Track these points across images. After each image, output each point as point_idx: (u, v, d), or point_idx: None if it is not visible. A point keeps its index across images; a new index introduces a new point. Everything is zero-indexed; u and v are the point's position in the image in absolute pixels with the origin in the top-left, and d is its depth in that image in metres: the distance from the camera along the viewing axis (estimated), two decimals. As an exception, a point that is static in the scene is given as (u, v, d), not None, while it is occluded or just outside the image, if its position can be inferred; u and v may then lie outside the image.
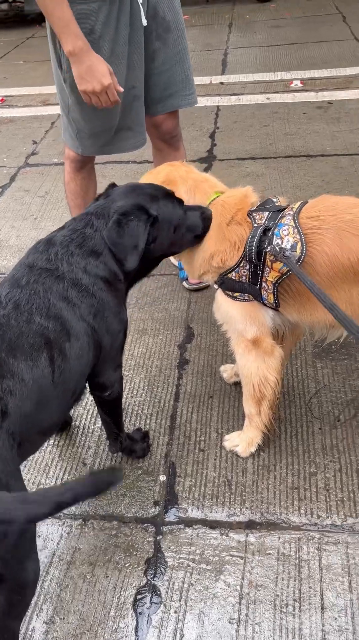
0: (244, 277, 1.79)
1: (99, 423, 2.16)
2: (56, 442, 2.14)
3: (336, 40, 6.22)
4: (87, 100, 2.18)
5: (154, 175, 1.94)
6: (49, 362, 1.47)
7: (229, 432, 2.10)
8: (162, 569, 1.72)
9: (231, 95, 5.16)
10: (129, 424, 2.18)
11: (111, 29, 2.18)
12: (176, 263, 2.96)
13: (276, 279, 1.73)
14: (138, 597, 1.67)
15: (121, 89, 2.19)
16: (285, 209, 1.76)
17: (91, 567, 1.75)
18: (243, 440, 2.01)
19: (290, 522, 1.80)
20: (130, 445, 2.02)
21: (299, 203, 1.75)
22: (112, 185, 1.85)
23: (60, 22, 2.04)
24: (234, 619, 1.59)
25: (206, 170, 3.86)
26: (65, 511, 1.90)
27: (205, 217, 1.80)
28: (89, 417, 2.23)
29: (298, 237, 1.66)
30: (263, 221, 1.74)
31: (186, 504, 1.89)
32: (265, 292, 1.77)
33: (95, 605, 1.66)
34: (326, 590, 1.62)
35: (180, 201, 1.80)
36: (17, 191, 3.97)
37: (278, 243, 1.67)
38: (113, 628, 1.61)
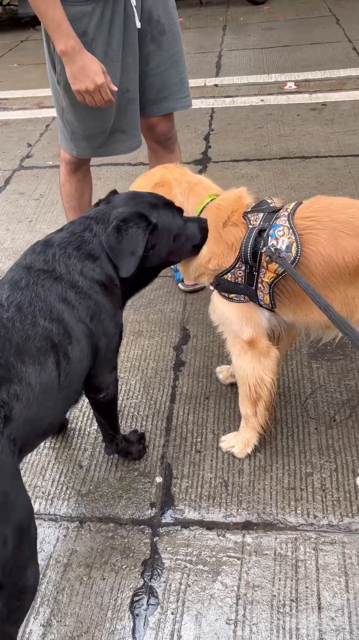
0: (240, 279, 1.79)
1: (95, 425, 2.16)
2: (52, 445, 2.14)
3: (330, 42, 6.25)
4: (81, 100, 2.19)
5: (148, 178, 1.94)
6: (55, 365, 1.47)
7: (225, 433, 2.10)
8: (158, 571, 1.72)
9: (225, 97, 5.17)
10: (125, 426, 2.18)
11: (104, 31, 2.18)
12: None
13: (271, 280, 1.73)
14: (136, 598, 1.67)
15: (115, 88, 2.19)
16: (279, 210, 1.76)
17: (88, 569, 1.75)
18: (239, 441, 2.01)
19: (286, 523, 1.80)
20: (126, 447, 2.02)
21: (293, 204, 1.76)
22: (114, 192, 1.86)
23: (52, 22, 2.05)
24: (231, 619, 1.59)
25: (200, 172, 3.86)
26: (61, 513, 1.90)
27: (203, 228, 1.81)
28: (85, 419, 2.23)
29: (293, 238, 1.66)
30: (258, 222, 1.74)
31: (182, 505, 1.89)
32: (260, 293, 1.78)
33: (92, 607, 1.66)
34: (323, 590, 1.63)
35: (179, 210, 1.81)
36: (12, 194, 3.97)
37: (273, 244, 1.67)
38: (111, 630, 1.60)
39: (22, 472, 2.01)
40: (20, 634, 1.58)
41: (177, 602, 1.64)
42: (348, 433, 2.06)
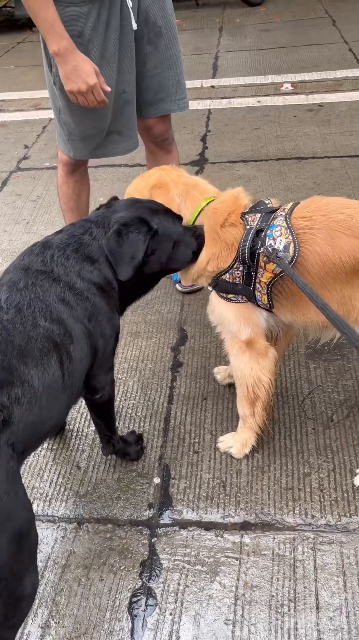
0: (238, 279, 1.79)
1: (93, 426, 2.15)
2: (50, 446, 2.14)
3: (326, 43, 6.26)
4: (74, 100, 2.20)
5: (145, 180, 1.94)
6: (59, 365, 1.47)
7: (223, 433, 2.10)
8: (157, 571, 1.72)
9: (222, 98, 5.18)
10: (123, 427, 2.18)
11: (100, 32, 2.19)
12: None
13: (269, 280, 1.73)
14: (134, 599, 1.66)
15: (108, 89, 2.20)
16: (276, 210, 1.76)
17: (86, 570, 1.75)
18: (237, 442, 2.01)
19: (284, 523, 1.81)
20: (123, 448, 2.02)
21: (291, 204, 1.76)
22: (114, 199, 1.87)
23: (45, 22, 2.06)
24: (229, 620, 1.59)
25: (197, 173, 3.87)
26: (59, 514, 1.90)
27: (199, 235, 1.82)
28: (83, 420, 2.23)
29: (291, 238, 1.66)
30: (256, 223, 1.75)
31: (180, 506, 1.89)
32: (258, 293, 1.78)
33: (91, 608, 1.66)
34: (321, 590, 1.63)
35: (179, 218, 1.83)
36: (9, 195, 3.97)
37: (270, 244, 1.68)
38: (109, 631, 1.60)
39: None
40: (18, 635, 1.58)
41: (175, 602, 1.64)
42: (346, 433, 2.06)
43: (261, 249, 1.69)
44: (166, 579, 1.70)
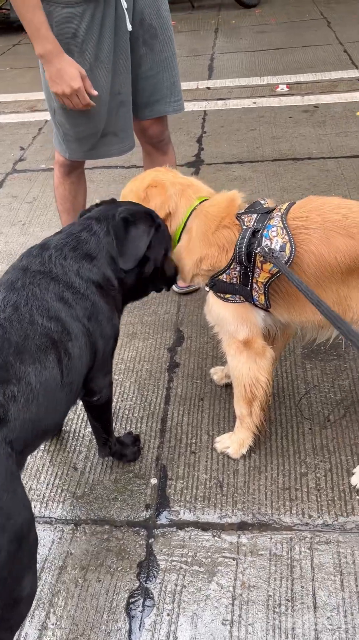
0: (235, 279, 1.80)
1: (90, 428, 2.15)
2: (47, 447, 2.13)
3: (321, 44, 6.28)
4: (61, 102, 2.23)
5: (140, 181, 1.94)
6: (57, 362, 1.47)
7: (220, 434, 2.10)
8: (154, 572, 1.72)
9: (218, 99, 5.19)
10: (120, 428, 2.18)
11: (95, 33, 2.19)
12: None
13: (266, 280, 1.74)
14: (131, 600, 1.66)
15: (95, 93, 2.21)
16: (272, 210, 1.77)
17: (83, 571, 1.75)
18: (234, 442, 2.01)
19: (281, 523, 1.81)
20: (120, 449, 2.02)
21: (287, 204, 1.76)
22: (113, 201, 1.88)
23: (31, 25, 2.08)
24: (227, 620, 1.59)
25: (193, 174, 3.87)
26: (56, 516, 1.90)
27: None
28: (80, 421, 2.23)
29: (287, 238, 1.67)
30: (252, 223, 1.75)
31: (178, 506, 1.89)
32: (255, 293, 1.78)
33: (88, 609, 1.66)
34: (319, 590, 1.63)
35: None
36: (5, 197, 3.97)
37: (267, 244, 1.68)
38: (107, 632, 1.60)
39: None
40: (15, 637, 1.58)
41: (173, 603, 1.64)
42: (342, 433, 2.07)
43: (258, 249, 1.70)
44: (163, 579, 1.70)
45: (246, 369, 1.87)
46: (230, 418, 2.15)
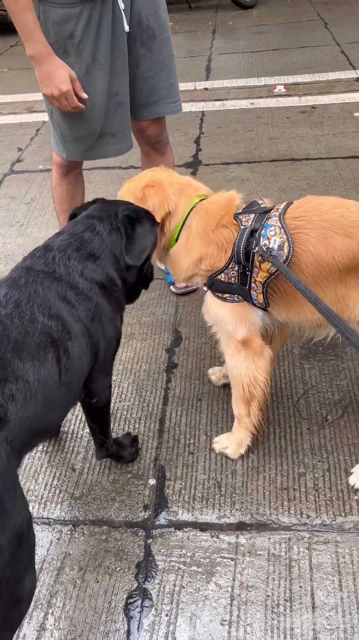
0: (233, 279, 1.80)
1: (88, 428, 2.15)
2: (45, 448, 2.13)
3: (318, 45, 6.29)
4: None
5: (137, 181, 1.93)
6: (55, 361, 1.46)
7: (218, 434, 2.10)
8: (152, 573, 1.72)
9: (215, 100, 5.19)
10: (118, 428, 2.18)
11: (92, 34, 2.19)
12: (163, 267, 2.96)
13: (264, 279, 1.74)
14: (130, 601, 1.66)
15: (84, 96, 2.23)
16: (270, 210, 1.77)
17: (81, 572, 1.75)
18: (232, 442, 2.01)
19: (279, 523, 1.81)
20: (117, 451, 2.01)
21: (284, 204, 1.77)
22: (102, 200, 1.88)
23: (23, 26, 2.09)
24: (226, 620, 1.59)
25: (191, 175, 3.87)
26: (54, 517, 1.90)
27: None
28: (78, 422, 2.22)
29: (285, 237, 1.67)
30: (250, 223, 1.75)
31: (176, 507, 1.89)
32: (254, 293, 1.79)
33: (86, 610, 1.65)
34: (317, 590, 1.63)
35: None
36: (3, 198, 3.96)
37: (265, 243, 1.68)
38: (105, 633, 1.60)
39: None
40: (13, 638, 1.57)
41: (171, 603, 1.64)
42: (340, 433, 2.07)
43: (256, 248, 1.70)
44: (162, 580, 1.70)
45: (245, 368, 1.87)
46: (228, 418, 2.15)
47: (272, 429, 2.11)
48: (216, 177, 3.86)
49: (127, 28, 2.26)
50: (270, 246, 1.67)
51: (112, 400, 2.21)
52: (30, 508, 1.91)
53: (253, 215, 1.77)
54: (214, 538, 1.79)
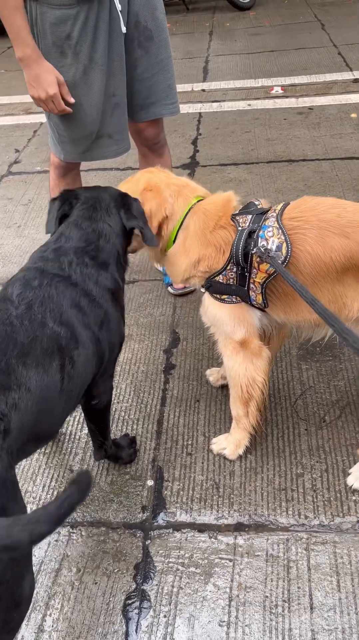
0: (231, 280, 1.80)
1: (86, 429, 2.15)
2: (43, 450, 2.13)
3: (315, 47, 6.30)
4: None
5: (134, 184, 1.93)
6: (59, 369, 1.44)
7: (216, 435, 2.10)
8: (151, 574, 1.72)
9: (212, 102, 5.19)
10: (116, 430, 2.17)
11: (89, 35, 2.19)
12: (160, 269, 2.96)
13: (263, 280, 1.74)
14: (128, 602, 1.66)
15: (72, 100, 2.24)
16: (267, 211, 1.77)
17: (80, 573, 1.74)
18: (230, 443, 2.01)
19: (277, 524, 1.81)
20: (115, 452, 2.01)
21: (281, 205, 1.77)
22: (70, 196, 1.81)
23: (11, 28, 2.11)
24: (224, 621, 1.59)
25: (189, 176, 3.87)
26: (52, 518, 1.89)
27: None
28: (76, 423, 2.22)
29: (283, 238, 1.67)
30: (247, 224, 1.75)
31: (174, 508, 1.89)
32: (253, 293, 1.79)
33: (85, 611, 1.65)
34: (315, 590, 1.63)
35: None
36: (0, 199, 3.96)
37: (263, 244, 1.68)
38: (103, 634, 1.60)
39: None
40: None
41: (170, 605, 1.64)
42: (338, 433, 2.07)
43: (254, 249, 1.70)
44: (160, 581, 1.70)
45: (243, 369, 1.87)
46: (226, 419, 2.15)
47: (270, 429, 2.11)
48: (214, 179, 3.87)
49: (124, 29, 2.26)
50: (268, 247, 1.67)
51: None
52: (29, 509, 1.92)
53: (250, 216, 1.77)
54: (212, 539, 1.79)
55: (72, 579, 1.73)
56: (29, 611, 1.64)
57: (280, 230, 1.68)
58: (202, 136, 4.55)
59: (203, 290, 1.89)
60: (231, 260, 1.76)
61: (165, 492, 1.94)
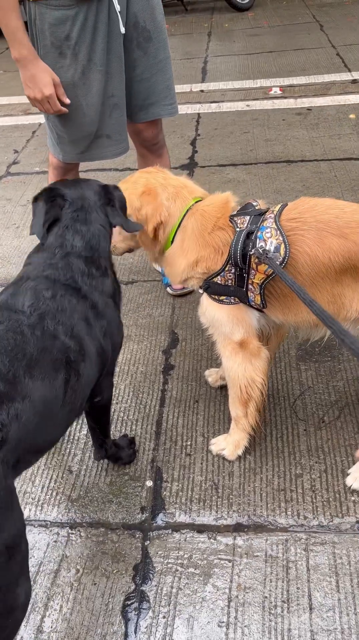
0: (230, 281, 1.80)
1: (85, 430, 2.15)
2: (41, 450, 2.13)
3: (314, 47, 6.31)
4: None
5: (133, 186, 1.92)
6: (64, 381, 1.43)
7: (215, 436, 2.10)
8: (150, 575, 1.72)
9: (211, 102, 5.20)
10: (115, 430, 2.17)
11: (88, 35, 2.19)
12: (159, 269, 2.96)
13: (261, 281, 1.74)
14: (127, 603, 1.66)
15: (67, 101, 2.26)
16: (265, 212, 1.77)
17: (79, 574, 1.74)
18: (229, 443, 2.01)
19: (276, 524, 1.81)
20: (115, 452, 2.01)
21: (279, 206, 1.77)
22: (55, 195, 1.73)
23: (7, 29, 2.12)
24: (223, 622, 1.59)
25: (187, 177, 3.87)
26: (51, 519, 1.89)
27: None
28: (75, 424, 2.22)
29: (281, 239, 1.68)
30: (245, 225, 1.75)
31: (173, 508, 1.89)
32: (251, 294, 1.79)
33: (84, 612, 1.65)
34: (314, 591, 1.63)
35: None
36: (-1, 200, 3.97)
37: (261, 246, 1.69)
38: (102, 635, 1.60)
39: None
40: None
41: (169, 605, 1.64)
42: (337, 434, 2.07)
43: (253, 250, 1.70)
44: (159, 582, 1.70)
45: (242, 369, 1.87)
46: (225, 420, 2.15)
47: (269, 430, 2.11)
48: (212, 179, 3.87)
49: (122, 30, 2.26)
50: (267, 248, 1.67)
51: (109, 402, 2.21)
52: (27, 511, 1.92)
53: (248, 217, 1.77)
54: (211, 540, 1.79)
55: (71, 580, 1.73)
56: (27, 612, 1.64)
57: (278, 231, 1.68)
58: (201, 137, 4.55)
59: (201, 291, 1.89)
60: (230, 261, 1.76)
61: (164, 492, 1.94)
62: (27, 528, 1.85)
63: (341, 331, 1.30)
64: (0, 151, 4.71)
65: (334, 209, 1.70)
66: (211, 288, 1.84)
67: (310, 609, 1.59)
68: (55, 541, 1.83)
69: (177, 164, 4.09)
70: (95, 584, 1.71)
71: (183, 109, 4.40)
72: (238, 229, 1.75)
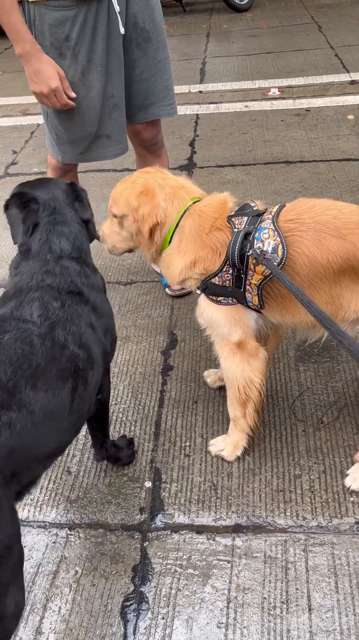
0: (227, 282, 1.80)
1: (84, 431, 2.15)
2: (40, 451, 2.12)
3: (312, 48, 6.31)
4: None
5: (131, 185, 1.92)
6: (70, 391, 1.42)
7: (214, 436, 2.10)
8: (149, 576, 1.72)
9: (210, 103, 5.20)
10: (114, 431, 2.17)
11: (87, 36, 2.20)
12: (158, 270, 2.96)
13: (259, 282, 1.74)
14: (126, 604, 1.66)
15: (73, 95, 2.25)
16: (263, 213, 1.77)
17: (77, 575, 1.74)
18: (228, 444, 2.01)
19: (275, 525, 1.81)
20: (115, 452, 2.01)
21: (277, 207, 1.77)
22: (27, 200, 1.73)
23: (9, 26, 2.12)
24: (222, 623, 1.59)
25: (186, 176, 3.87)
26: (50, 520, 1.89)
27: None
28: (73, 425, 2.22)
29: (279, 240, 1.68)
30: (243, 226, 1.75)
31: (172, 509, 1.89)
32: (249, 295, 1.79)
33: (83, 613, 1.65)
34: (313, 592, 1.63)
35: None
36: (-2, 201, 3.96)
37: (259, 246, 1.69)
38: (101, 636, 1.59)
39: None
40: (9, 642, 1.57)
41: (168, 606, 1.64)
42: (336, 435, 2.07)
43: (250, 251, 1.70)
44: (158, 583, 1.69)
45: (240, 370, 1.87)
46: (224, 420, 2.15)
47: (268, 431, 2.11)
48: (211, 180, 3.87)
49: (122, 30, 2.27)
50: (264, 249, 1.67)
51: (108, 403, 2.21)
52: (26, 512, 1.92)
53: (246, 218, 1.77)
54: (210, 540, 1.79)
55: (70, 581, 1.73)
56: (26, 613, 1.64)
57: (276, 232, 1.68)
58: (199, 137, 4.56)
59: (198, 292, 1.89)
60: (227, 262, 1.76)
61: (163, 493, 1.94)
62: (26, 529, 1.86)
63: (339, 332, 1.30)
64: (-1, 152, 4.71)
65: (332, 210, 1.70)
66: (209, 289, 1.84)
67: (309, 609, 1.59)
68: (54, 542, 1.83)
69: (175, 164, 4.09)
70: (94, 585, 1.71)
71: (181, 110, 4.40)
72: (235, 230, 1.75)
